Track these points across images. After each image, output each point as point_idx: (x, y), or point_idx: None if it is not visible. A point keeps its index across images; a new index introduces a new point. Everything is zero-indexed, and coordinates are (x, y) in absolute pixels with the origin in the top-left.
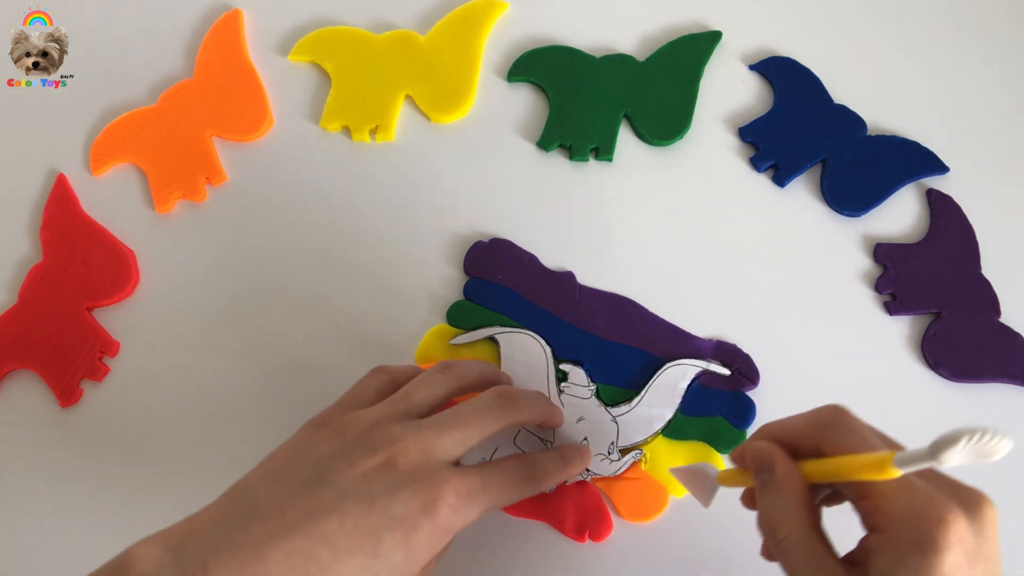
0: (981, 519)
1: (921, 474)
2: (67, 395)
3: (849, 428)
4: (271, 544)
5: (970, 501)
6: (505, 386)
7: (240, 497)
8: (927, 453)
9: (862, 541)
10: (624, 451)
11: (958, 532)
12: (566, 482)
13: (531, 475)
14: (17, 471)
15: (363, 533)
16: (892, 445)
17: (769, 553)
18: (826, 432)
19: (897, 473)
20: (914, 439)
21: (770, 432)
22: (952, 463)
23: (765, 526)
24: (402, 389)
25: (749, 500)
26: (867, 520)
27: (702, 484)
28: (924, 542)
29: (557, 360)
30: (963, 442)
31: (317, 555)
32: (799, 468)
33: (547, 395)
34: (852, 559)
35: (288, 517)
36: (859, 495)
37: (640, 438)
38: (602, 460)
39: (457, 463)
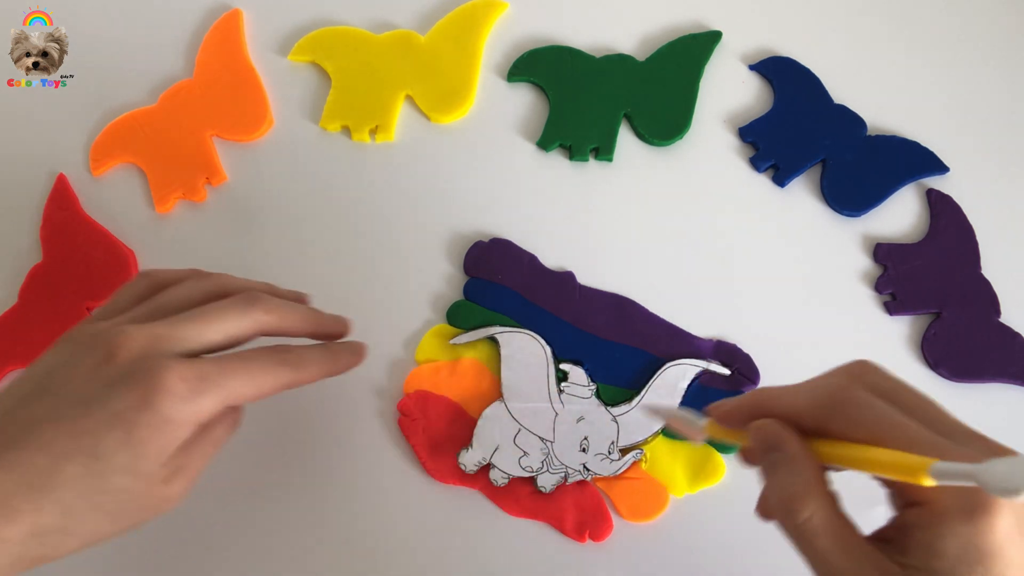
0: None
1: (961, 440)
2: None
3: (862, 411)
4: None
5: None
6: (257, 289)
7: None
8: (972, 472)
9: (898, 518)
10: (624, 451)
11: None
12: (566, 483)
13: (283, 360)
14: None
15: (80, 434)
16: (917, 413)
17: (765, 511)
18: (833, 414)
19: (931, 482)
20: None
21: (766, 407)
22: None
23: (780, 507)
24: (159, 295)
25: (747, 458)
26: (902, 495)
27: (691, 428)
28: (973, 509)
29: (557, 360)
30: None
31: (33, 463)
32: (811, 446)
33: (547, 395)
34: (884, 536)
35: (8, 432)
36: (896, 490)
37: (640, 438)
38: (602, 460)
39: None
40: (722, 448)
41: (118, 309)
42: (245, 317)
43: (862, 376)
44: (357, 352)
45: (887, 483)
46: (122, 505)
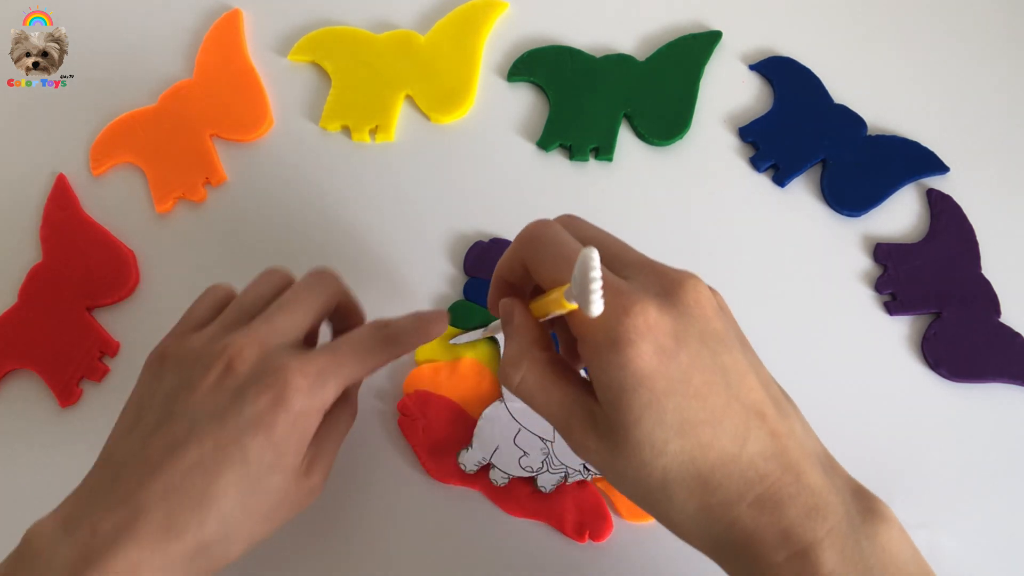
0: (680, 300)
1: (633, 272)
2: (67, 395)
3: (541, 246)
4: (145, 489)
5: (669, 286)
6: (315, 269)
7: (106, 461)
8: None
9: (584, 359)
10: None
11: (646, 321)
12: (566, 483)
13: (386, 338)
14: (17, 471)
15: (225, 447)
16: (599, 248)
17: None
18: (527, 259)
19: (574, 306)
20: (914, 439)
21: (499, 273)
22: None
23: (501, 375)
24: (234, 300)
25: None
26: (574, 330)
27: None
28: (614, 339)
29: None
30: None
31: (191, 484)
32: (528, 309)
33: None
34: (588, 386)
35: (152, 461)
36: (575, 333)
37: None
38: None
39: (302, 347)
40: None
41: (197, 323)
42: (322, 294)
43: (565, 223)
44: (442, 319)
45: (573, 332)
46: (275, 503)
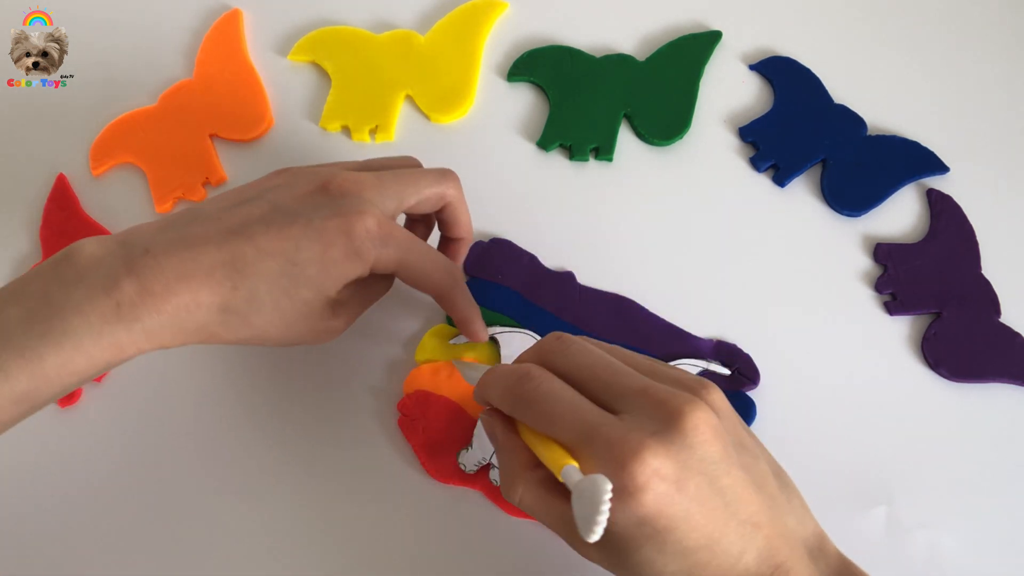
0: (680, 431)
1: (627, 404)
2: (67, 395)
3: (530, 407)
4: (205, 238)
5: (666, 419)
6: (445, 168)
7: (189, 210)
8: (576, 484)
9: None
10: None
11: (646, 469)
12: None
13: (449, 270)
14: (17, 471)
15: (284, 239)
16: (591, 384)
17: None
18: (517, 407)
19: (564, 481)
20: (914, 439)
21: (483, 394)
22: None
23: (503, 490)
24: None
25: None
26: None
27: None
28: (620, 490)
29: None
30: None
31: (242, 252)
32: (518, 433)
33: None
34: None
35: (224, 222)
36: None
37: None
38: None
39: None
40: None
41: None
42: (438, 186)
43: (550, 357)
44: (483, 331)
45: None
46: (297, 315)
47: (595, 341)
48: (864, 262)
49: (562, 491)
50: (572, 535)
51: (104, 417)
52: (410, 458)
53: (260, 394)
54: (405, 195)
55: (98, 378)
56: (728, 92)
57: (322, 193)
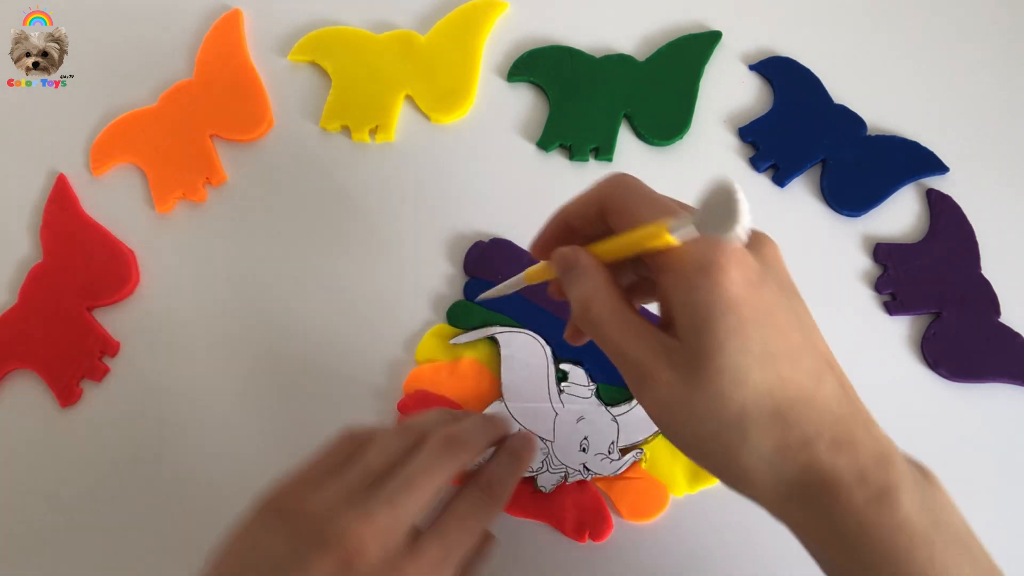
0: (761, 252)
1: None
2: (67, 395)
3: (629, 191)
4: None
5: (750, 239)
6: (445, 430)
7: None
8: (692, 217)
9: (660, 293)
10: (624, 450)
11: (738, 255)
12: (566, 483)
13: (488, 499)
14: (17, 471)
15: None
16: (679, 205)
17: (574, 335)
18: (610, 202)
19: (673, 240)
20: (914, 439)
21: (563, 216)
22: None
23: (577, 310)
24: (359, 455)
25: (557, 291)
26: (655, 265)
27: (516, 285)
28: (705, 264)
29: (557, 360)
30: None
31: None
32: (598, 256)
33: (547, 395)
34: (663, 323)
35: None
36: (655, 267)
37: (640, 437)
38: (602, 460)
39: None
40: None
41: (322, 474)
42: (451, 468)
43: (624, 176)
44: (531, 443)
45: (651, 267)
46: None
47: None
48: (864, 262)
49: (636, 313)
50: (643, 350)
51: (104, 417)
52: None
53: (260, 394)
54: (422, 502)
55: (98, 378)
56: (728, 92)
57: (347, 571)
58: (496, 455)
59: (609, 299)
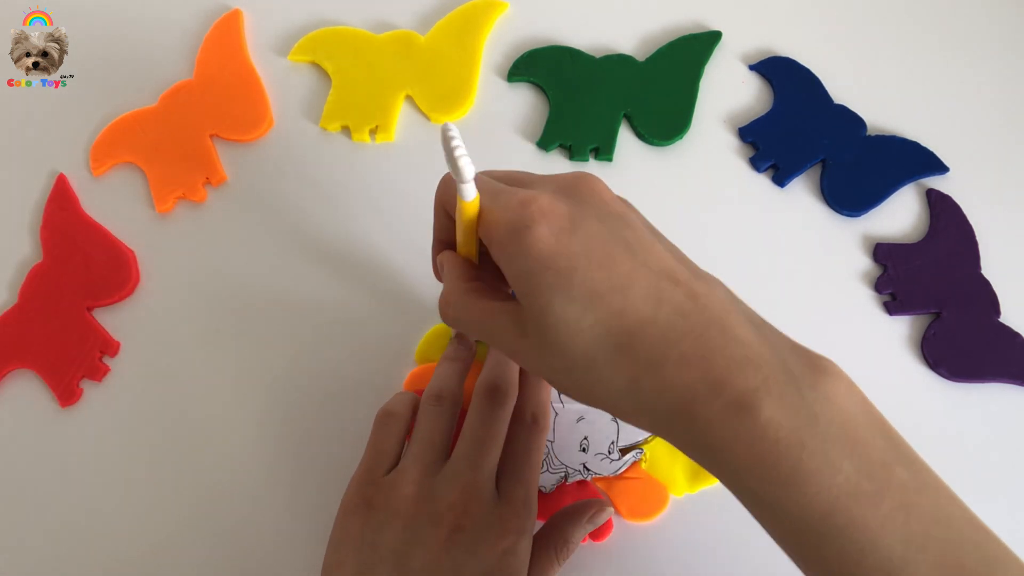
0: (576, 191)
1: (537, 184)
2: (67, 395)
3: (449, 183)
4: None
5: (565, 183)
6: (484, 382)
7: None
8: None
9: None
10: (624, 451)
11: (540, 207)
12: (566, 483)
13: (537, 429)
14: (17, 471)
15: None
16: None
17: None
18: (442, 198)
19: (468, 202)
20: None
21: (435, 235)
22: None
23: (441, 312)
24: (416, 435)
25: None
26: (484, 238)
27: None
28: (513, 229)
29: None
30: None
31: None
32: (458, 253)
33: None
34: (509, 297)
35: None
36: (486, 243)
37: (640, 437)
38: (602, 460)
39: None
40: None
41: (388, 459)
42: (505, 414)
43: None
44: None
45: (485, 244)
46: None
47: None
48: (864, 262)
49: (489, 295)
50: (496, 324)
51: (104, 417)
52: None
53: (260, 394)
54: (495, 456)
55: (99, 378)
56: (728, 92)
57: (460, 533)
58: (523, 385)
59: (460, 294)
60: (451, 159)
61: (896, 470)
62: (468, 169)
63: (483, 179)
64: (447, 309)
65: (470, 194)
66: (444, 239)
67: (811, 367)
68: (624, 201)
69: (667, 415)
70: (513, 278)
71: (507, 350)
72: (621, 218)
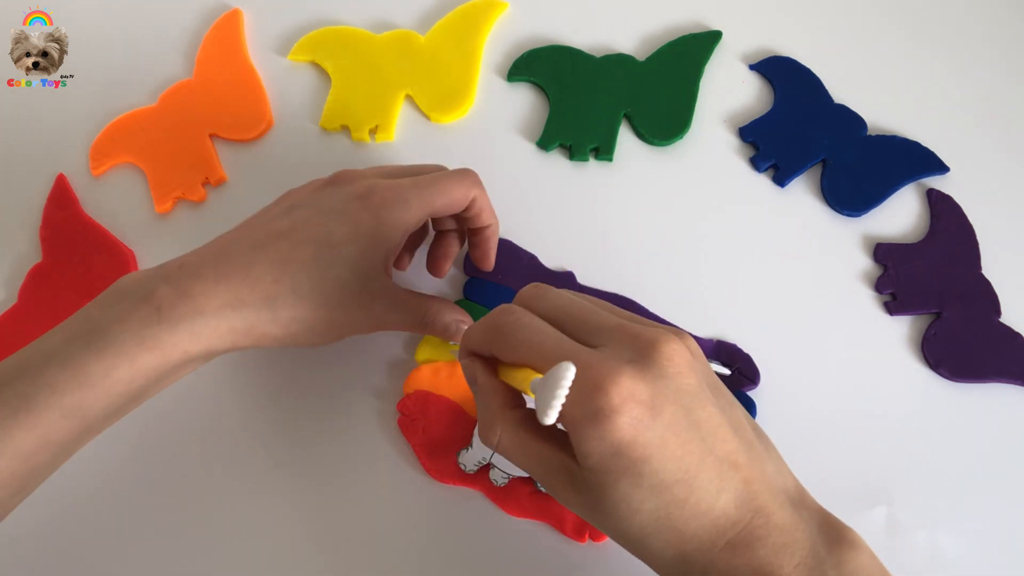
0: (654, 361)
1: (604, 338)
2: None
3: (516, 334)
4: (237, 244)
5: (641, 349)
6: (464, 169)
7: (222, 234)
8: (541, 378)
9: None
10: None
11: (621, 391)
12: None
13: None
14: None
15: (313, 226)
16: (569, 322)
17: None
18: (495, 341)
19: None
20: (914, 439)
21: (466, 341)
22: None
23: (481, 435)
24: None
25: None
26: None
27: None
28: (590, 414)
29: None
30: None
31: (278, 247)
32: (497, 374)
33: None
34: (564, 440)
35: (255, 230)
36: None
37: None
38: None
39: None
40: None
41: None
42: (465, 188)
43: (529, 301)
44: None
45: None
46: (340, 299)
47: (576, 292)
48: (864, 262)
49: (540, 432)
50: (549, 476)
51: None
52: (410, 458)
53: (261, 394)
54: (435, 198)
55: None
56: (728, 92)
57: (336, 185)
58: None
59: (509, 425)
60: (547, 400)
61: None
62: (550, 420)
63: (549, 340)
64: (491, 435)
65: (546, 422)
66: (474, 347)
67: (837, 542)
68: (696, 359)
69: None
70: (583, 455)
71: (554, 494)
72: (696, 395)
